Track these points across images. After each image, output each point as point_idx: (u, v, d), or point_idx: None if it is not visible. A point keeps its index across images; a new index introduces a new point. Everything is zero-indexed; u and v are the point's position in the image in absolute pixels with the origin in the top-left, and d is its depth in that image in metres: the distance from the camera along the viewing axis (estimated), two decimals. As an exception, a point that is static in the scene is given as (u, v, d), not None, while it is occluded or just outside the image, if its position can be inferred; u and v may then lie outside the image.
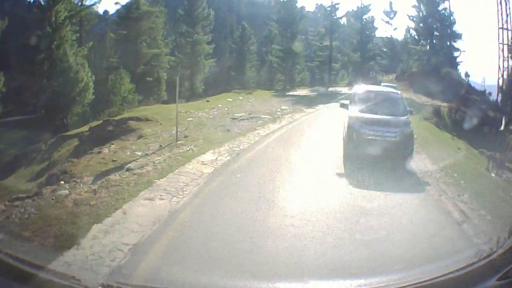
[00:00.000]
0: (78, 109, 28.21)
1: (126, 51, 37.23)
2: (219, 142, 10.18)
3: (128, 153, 8.89)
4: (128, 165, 7.54)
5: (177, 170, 7.28)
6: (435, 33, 38.45)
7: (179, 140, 10.14)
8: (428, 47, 38.37)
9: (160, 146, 9.54)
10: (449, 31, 37.56)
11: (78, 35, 30.96)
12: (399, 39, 46.55)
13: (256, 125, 14.14)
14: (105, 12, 45.52)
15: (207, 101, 22.84)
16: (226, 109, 19.38)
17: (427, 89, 25.04)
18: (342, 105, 10.36)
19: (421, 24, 38.97)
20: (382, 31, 53.87)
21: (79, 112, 28.72)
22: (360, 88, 10.66)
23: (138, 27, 38.25)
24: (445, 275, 2.53)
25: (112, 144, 10.38)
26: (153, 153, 8.76)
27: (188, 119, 14.64)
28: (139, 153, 8.77)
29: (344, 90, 38.63)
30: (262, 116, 17.05)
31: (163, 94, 38.21)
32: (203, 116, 16.10)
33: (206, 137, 10.85)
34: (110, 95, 30.65)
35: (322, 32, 39.79)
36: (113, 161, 8.21)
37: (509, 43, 24.65)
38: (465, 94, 23.76)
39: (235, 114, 17.13)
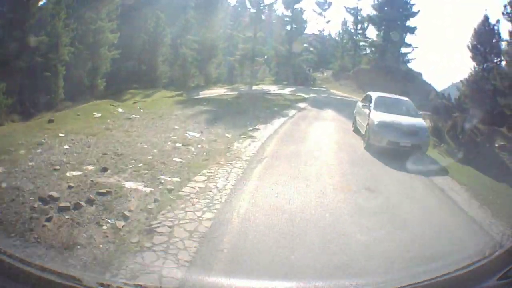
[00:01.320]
0: None
1: (11, 39, 30.02)
2: None
3: None
4: None
5: None
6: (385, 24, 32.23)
7: None
8: (382, 41, 32.49)
9: None
10: (405, 24, 31.82)
11: None
12: (332, 33, 41.89)
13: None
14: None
15: (51, 120, 14.42)
16: (67, 146, 9.40)
17: (386, 91, 18.81)
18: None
19: (375, 12, 32.94)
20: (313, 23, 48.61)
21: None
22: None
23: (26, 9, 30.65)
24: (445, 275, 2.42)
25: None
26: None
27: None
28: None
29: (273, 89, 31.75)
30: (127, 186, 6.46)
31: (60, 92, 31.32)
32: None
33: None
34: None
35: (245, 22, 33.86)
36: None
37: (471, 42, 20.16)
38: (436, 100, 18.73)
39: (71, 173, 7.02)
